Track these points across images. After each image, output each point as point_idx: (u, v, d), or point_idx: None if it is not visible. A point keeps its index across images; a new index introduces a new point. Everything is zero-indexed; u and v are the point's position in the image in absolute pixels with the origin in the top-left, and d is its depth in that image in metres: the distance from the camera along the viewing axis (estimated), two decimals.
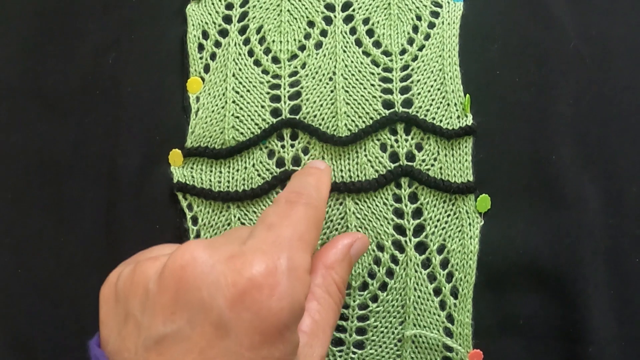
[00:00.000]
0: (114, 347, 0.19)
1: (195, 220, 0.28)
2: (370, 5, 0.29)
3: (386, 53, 0.28)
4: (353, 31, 0.29)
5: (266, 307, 0.18)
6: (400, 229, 0.27)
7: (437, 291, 0.27)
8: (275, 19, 0.29)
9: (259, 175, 0.28)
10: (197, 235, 0.28)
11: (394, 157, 0.28)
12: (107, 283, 0.21)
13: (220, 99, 0.29)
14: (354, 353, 0.27)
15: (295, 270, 0.19)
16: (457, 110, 0.28)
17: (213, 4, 0.30)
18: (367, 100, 0.28)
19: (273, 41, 0.29)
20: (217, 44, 0.29)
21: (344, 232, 0.26)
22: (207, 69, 0.29)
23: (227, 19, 0.29)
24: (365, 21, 0.29)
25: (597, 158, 0.28)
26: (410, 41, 0.29)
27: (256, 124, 0.28)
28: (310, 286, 0.20)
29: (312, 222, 0.21)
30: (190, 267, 0.18)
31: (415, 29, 0.29)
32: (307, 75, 0.28)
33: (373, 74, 0.28)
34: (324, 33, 0.29)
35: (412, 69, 0.28)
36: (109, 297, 0.20)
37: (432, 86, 0.28)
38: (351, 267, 0.24)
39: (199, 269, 0.18)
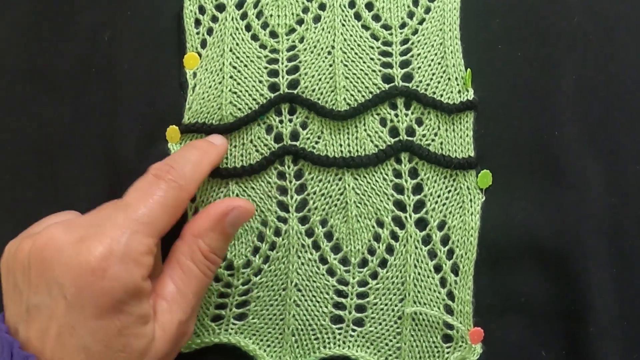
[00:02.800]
0: (9, 310, 0.23)
1: (193, 197, 0.28)
2: None
3: (386, 27, 0.28)
4: (352, 4, 0.28)
5: (98, 287, 0.21)
6: (400, 205, 0.27)
7: (438, 268, 0.27)
8: None
9: (257, 151, 0.28)
10: (196, 212, 0.28)
11: (394, 132, 0.27)
12: (3, 257, 0.24)
13: (218, 75, 0.28)
14: (354, 330, 0.27)
15: (129, 254, 0.22)
16: (457, 84, 0.27)
17: None
18: (366, 74, 0.27)
19: (271, 15, 0.28)
20: (214, 19, 0.29)
21: (223, 199, 0.27)
22: (204, 44, 0.29)
23: None
24: None
25: (601, 136, 0.28)
26: (411, 14, 0.28)
27: (254, 99, 0.28)
28: (149, 266, 0.22)
29: (169, 205, 0.23)
30: (47, 248, 0.22)
31: (416, 2, 0.28)
32: (305, 49, 0.28)
33: (372, 47, 0.28)
34: (322, 7, 0.28)
35: (412, 43, 0.28)
36: (4, 269, 0.24)
37: (432, 60, 0.27)
38: (227, 236, 0.25)
39: (53, 251, 0.22)
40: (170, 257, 0.24)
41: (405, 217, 0.27)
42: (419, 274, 0.27)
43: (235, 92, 0.28)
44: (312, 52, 0.28)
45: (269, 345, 0.27)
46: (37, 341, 0.22)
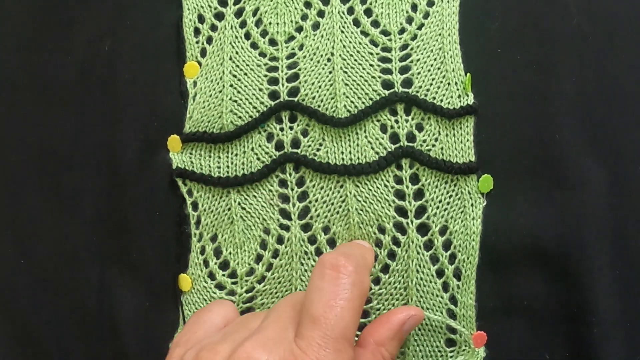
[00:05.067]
0: None
1: (195, 206, 0.28)
2: None
3: (385, 32, 0.28)
4: (351, 11, 0.28)
5: None
6: (401, 211, 0.27)
7: (440, 273, 0.27)
8: (271, 1, 0.29)
9: (258, 159, 0.28)
10: (198, 221, 0.28)
11: (395, 138, 0.27)
12: None
13: (218, 83, 0.28)
14: (357, 336, 0.27)
15: None
16: (457, 89, 0.28)
17: None
18: (366, 80, 0.27)
19: (270, 23, 0.28)
20: (213, 28, 0.29)
21: (399, 307, 0.27)
22: (203, 53, 0.29)
23: (223, 2, 0.29)
24: (363, 0, 0.28)
25: (601, 138, 0.28)
26: (409, 20, 0.28)
27: (254, 107, 0.28)
28: None
29: (357, 305, 0.22)
30: None
31: (414, 7, 0.28)
32: (304, 56, 0.28)
33: (372, 54, 0.28)
34: (321, 13, 0.28)
35: (412, 48, 0.28)
36: None
37: (432, 65, 0.28)
38: (402, 342, 0.25)
39: None
40: None
41: (407, 223, 0.27)
42: (421, 279, 0.27)
43: (236, 101, 0.28)
44: (311, 59, 0.28)
45: None
46: None
